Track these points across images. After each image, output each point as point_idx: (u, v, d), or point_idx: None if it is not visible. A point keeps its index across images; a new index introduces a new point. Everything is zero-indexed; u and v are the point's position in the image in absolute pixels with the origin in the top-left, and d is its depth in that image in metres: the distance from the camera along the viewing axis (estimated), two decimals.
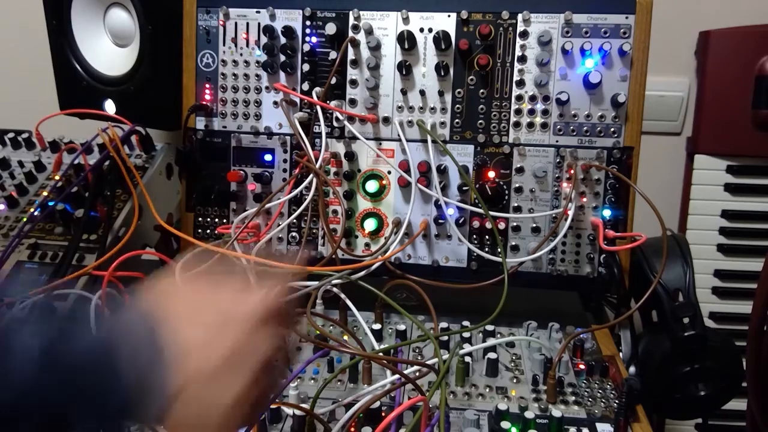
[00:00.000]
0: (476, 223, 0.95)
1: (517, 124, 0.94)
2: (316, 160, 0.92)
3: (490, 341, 0.80)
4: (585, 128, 0.93)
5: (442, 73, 0.93)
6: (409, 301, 0.92)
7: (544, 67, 0.92)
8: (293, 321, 0.53)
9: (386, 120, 0.96)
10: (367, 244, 0.98)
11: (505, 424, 0.64)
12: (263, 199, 0.97)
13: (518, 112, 0.94)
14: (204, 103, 1.00)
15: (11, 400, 0.40)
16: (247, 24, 0.98)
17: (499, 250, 0.92)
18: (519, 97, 0.93)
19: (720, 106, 1.33)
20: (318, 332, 0.79)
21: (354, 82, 0.96)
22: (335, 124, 0.97)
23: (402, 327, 0.85)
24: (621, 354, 0.87)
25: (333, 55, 0.95)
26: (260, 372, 0.46)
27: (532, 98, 0.93)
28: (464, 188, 0.95)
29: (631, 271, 0.95)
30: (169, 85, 1.01)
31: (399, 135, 0.95)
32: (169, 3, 1.00)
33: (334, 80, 0.95)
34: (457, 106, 0.95)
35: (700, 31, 1.36)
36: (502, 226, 0.95)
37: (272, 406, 0.66)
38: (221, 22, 0.99)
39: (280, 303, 0.48)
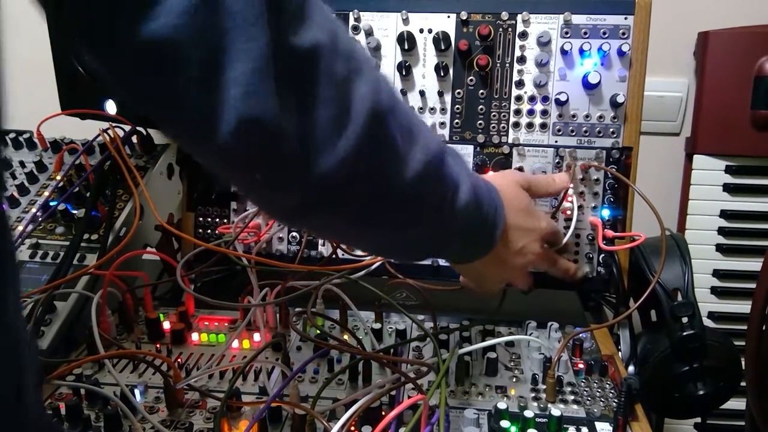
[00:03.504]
0: None
1: (516, 125, 0.94)
2: None
3: (490, 340, 0.80)
4: (584, 128, 0.93)
5: (442, 74, 0.94)
6: (409, 301, 0.93)
7: (544, 68, 0.92)
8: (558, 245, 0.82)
9: None
10: None
11: (504, 423, 0.65)
12: None
13: (517, 112, 0.94)
14: None
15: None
16: None
17: None
18: (518, 98, 0.94)
19: (719, 106, 1.33)
20: (318, 332, 0.79)
21: None
22: None
23: (402, 326, 0.85)
24: (620, 353, 0.87)
25: None
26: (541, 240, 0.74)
27: (532, 99, 0.94)
28: None
29: (630, 270, 0.95)
30: None
31: None
32: None
33: None
34: (457, 106, 0.95)
35: (699, 31, 1.37)
36: None
37: (272, 405, 0.66)
38: None
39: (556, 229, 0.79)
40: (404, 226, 0.58)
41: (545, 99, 0.93)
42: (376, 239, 0.61)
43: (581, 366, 0.79)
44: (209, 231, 1.02)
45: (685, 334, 0.86)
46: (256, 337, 0.84)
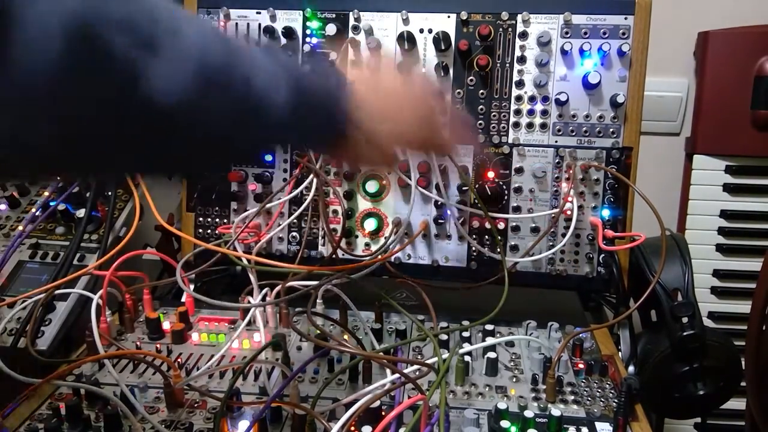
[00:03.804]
0: (476, 223, 0.95)
1: (516, 125, 0.94)
2: (317, 161, 0.92)
3: (490, 340, 0.80)
4: (584, 128, 0.93)
5: (442, 74, 0.94)
6: (409, 301, 0.93)
7: (544, 68, 0.92)
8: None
9: None
10: (367, 244, 0.98)
11: (504, 423, 0.65)
12: (264, 199, 0.98)
13: (518, 112, 0.94)
14: None
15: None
16: (248, 25, 0.98)
17: (498, 249, 0.93)
18: (518, 98, 0.94)
19: (719, 106, 1.33)
20: (318, 332, 0.79)
21: None
22: None
23: (402, 326, 0.85)
24: (620, 353, 0.87)
25: (333, 55, 0.95)
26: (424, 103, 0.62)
27: (532, 99, 0.94)
28: (464, 188, 0.95)
29: (630, 270, 0.96)
30: None
31: None
32: None
33: None
34: (457, 106, 0.95)
35: (699, 31, 1.37)
36: (501, 226, 0.95)
37: (272, 405, 0.66)
38: (222, 23, 0.99)
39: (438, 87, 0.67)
40: (198, 143, 0.50)
41: (545, 99, 0.93)
42: (174, 162, 0.53)
43: (581, 366, 0.79)
44: (209, 231, 1.02)
45: (685, 334, 0.86)
46: (256, 337, 0.84)
